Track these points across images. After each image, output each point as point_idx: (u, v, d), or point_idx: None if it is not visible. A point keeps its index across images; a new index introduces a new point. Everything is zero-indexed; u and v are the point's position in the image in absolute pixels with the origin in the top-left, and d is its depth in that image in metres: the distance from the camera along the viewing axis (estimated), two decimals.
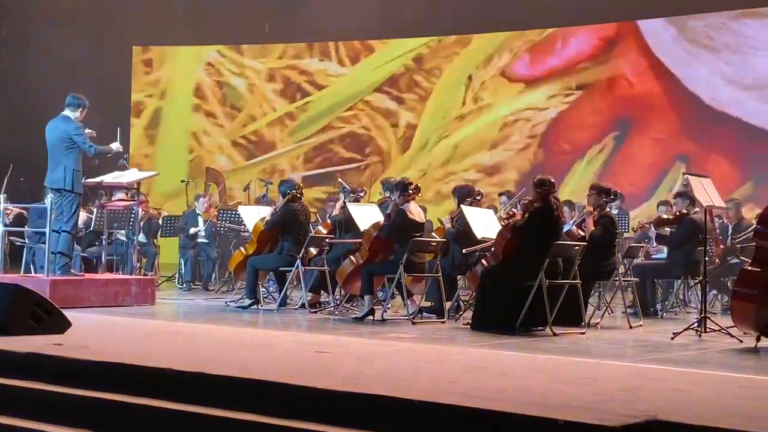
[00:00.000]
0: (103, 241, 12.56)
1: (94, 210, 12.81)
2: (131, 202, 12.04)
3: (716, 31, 16.05)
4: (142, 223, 13.15)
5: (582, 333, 8.56)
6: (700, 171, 14.08)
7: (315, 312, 10.19)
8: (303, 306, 10.30)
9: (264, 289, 11.27)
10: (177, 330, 8.37)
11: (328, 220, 11.29)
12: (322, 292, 10.67)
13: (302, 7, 18.38)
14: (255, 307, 10.40)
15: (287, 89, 19.57)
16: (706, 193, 8.82)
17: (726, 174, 15.44)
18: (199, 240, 13.72)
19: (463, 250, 9.80)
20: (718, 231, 11.69)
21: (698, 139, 16.13)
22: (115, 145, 10.37)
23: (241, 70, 19.72)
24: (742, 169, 15.26)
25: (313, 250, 10.67)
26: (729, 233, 12.06)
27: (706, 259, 9.32)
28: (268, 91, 19.62)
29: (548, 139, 17.71)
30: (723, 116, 15.84)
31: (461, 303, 10.19)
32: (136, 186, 11.57)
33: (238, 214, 12.51)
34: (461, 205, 10.06)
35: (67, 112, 10.06)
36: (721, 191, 12.02)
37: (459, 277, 10.35)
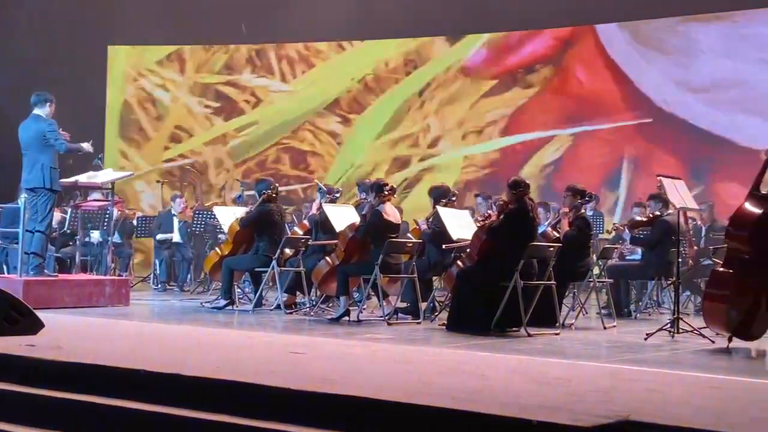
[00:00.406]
0: (78, 242, 12.50)
1: (68, 210, 12.74)
2: (106, 203, 11.99)
3: (666, 35, 16.34)
4: (115, 223, 13.09)
5: (556, 334, 8.60)
6: (646, 172, 14.30)
7: (290, 313, 10.18)
8: (278, 307, 10.29)
9: (239, 290, 11.24)
10: (151, 331, 8.35)
11: (305, 221, 11.29)
12: (298, 292, 10.67)
13: (283, 7, 18.35)
14: (230, 307, 10.38)
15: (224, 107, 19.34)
16: (680, 195, 8.89)
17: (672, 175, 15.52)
18: (175, 241, 13.67)
19: (443, 246, 9.80)
20: (691, 232, 11.78)
21: (647, 140, 16.37)
22: (86, 145, 10.32)
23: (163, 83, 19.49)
24: (688, 171, 15.48)
25: (288, 251, 10.66)
26: (702, 235, 12.15)
27: (680, 260, 9.39)
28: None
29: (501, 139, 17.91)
30: (671, 118, 16.13)
31: (437, 304, 10.21)
32: (110, 186, 11.50)
33: (214, 215, 12.48)
34: (436, 206, 10.08)
35: (36, 110, 10.00)
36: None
37: (434, 278, 10.37)
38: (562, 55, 17.26)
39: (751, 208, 7.62)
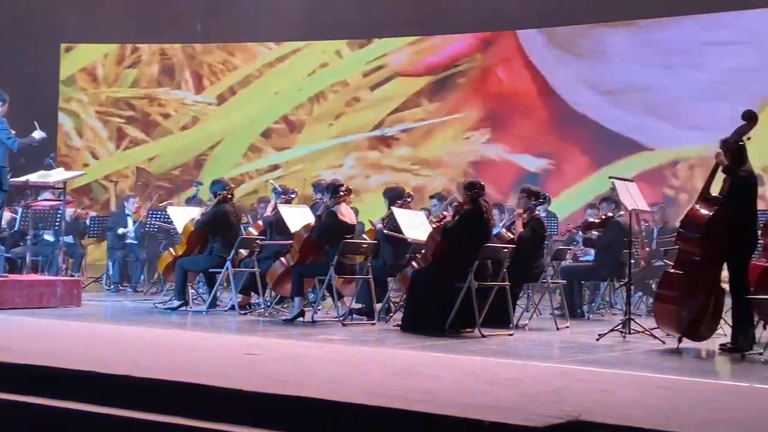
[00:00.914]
0: (28, 242, 12.35)
1: (19, 210, 12.58)
2: (57, 202, 11.85)
3: (579, 39, 16.82)
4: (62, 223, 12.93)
5: (510, 334, 8.65)
6: (558, 170, 14.71)
7: (245, 314, 10.14)
8: (233, 308, 10.24)
9: (193, 291, 11.17)
10: (103, 332, 8.26)
11: (259, 222, 11.25)
12: (252, 293, 10.63)
13: (235, 7, 18.28)
14: (184, 308, 10.31)
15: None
16: (631, 196, 8.98)
17: (582, 174, 16.19)
18: (128, 241, 13.54)
19: (408, 239, 9.77)
20: (643, 234, 11.90)
21: (560, 140, 16.82)
22: (38, 133, 10.20)
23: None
24: (598, 171, 15.98)
25: (243, 252, 10.61)
26: (654, 236, 12.28)
27: (632, 261, 9.50)
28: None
29: (416, 134, 18.17)
30: (583, 119, 16.58)
31: (392, 305, 10.22)
32: (62, 185, 11.37)
33: (168, 215, 12.39)
34: (391, 207, 10.09)
35: None
36: (579, 193, 12.71)
37: (389, 279, 10.38)
38: (483, 55, 17.67)
39: (701, 210, 7.72)
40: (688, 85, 15.83)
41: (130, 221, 13.68)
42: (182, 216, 11.17)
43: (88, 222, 14.12)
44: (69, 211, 13.28)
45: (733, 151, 7.67)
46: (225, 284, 10.89)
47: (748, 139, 7.73)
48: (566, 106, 16.74)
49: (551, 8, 16.65)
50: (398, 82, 18.39)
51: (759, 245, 8.21)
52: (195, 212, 10.98)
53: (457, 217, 8.92)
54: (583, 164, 16.41)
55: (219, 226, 10.43)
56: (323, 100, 18.88)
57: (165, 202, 14.70)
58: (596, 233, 11.06)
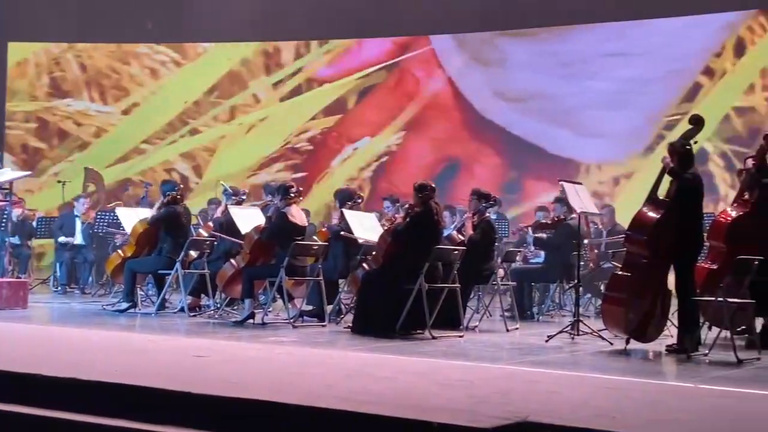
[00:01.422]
0: None
1: None
2: (4, 203, 11.68)
3: (485, 47, 17.34)
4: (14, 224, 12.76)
5: (460, 336, 8.68)
6: (468, 173, 15.08)
7: (194, 316, 10.07)
8: (182, 309, 10.16)
9: (142, 293, 11.07)
10: (50, 334, 8.16)
11: (210, 223, 11.18)
12: (202, 295, 10.56)
13: (188, 8, 18.17)
14: (132, 310, 10.21)
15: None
16: (580, 199, 9.07)
17: (491, 179, 16.58)
18: (76, 242, 13.38)
19: (359, 240, 9.76)
20: (593, 236, 12.01)
21: (470, 143, 17.32)
22: None
23: None
24: (506, 176, 16.63)
25: (193, 253, 10.54)
26: (603, 238, 12.40)
27: (581, 263, 9.58)
28: None
29: (329, 137, 18.42)
30: (491, 124, 17.08)
31: (342, 306, 10.21)
32: (8, 186, 11.21)
33: (116, 216, 12.26)
34: (342, 209, 10.09)
35: None
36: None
37: (340, 280, 10.37)
38: (401, 58, 18.03)
39: (648, 212, 7.81)
40: (586, 94, 16.39)
41: (78, 222, 13.52)
42: (131, 217, 11.06)
43: (35, 223, 13.93)
44: (16, 212, 13.09)
45: (681, 154, 7.77)
46: (174, 286, 10.82)
47: (695, 142, 7.84)
48: (475, 112, 17.27)
49: (463, 17, 17.05)
50: (312, 88, 18.68)
51: (705, 248, 8.34)
52: (145, 213, 10.87)
53: (407, 219, 8.93)
54: (497, 165, 16.95)
55: (171, 226, 10.34)
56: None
57: (114, 203, 14.54)
58: (546, 234, 11.15)
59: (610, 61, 16.30)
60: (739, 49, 15.69)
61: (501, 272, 10.34)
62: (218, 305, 10.31)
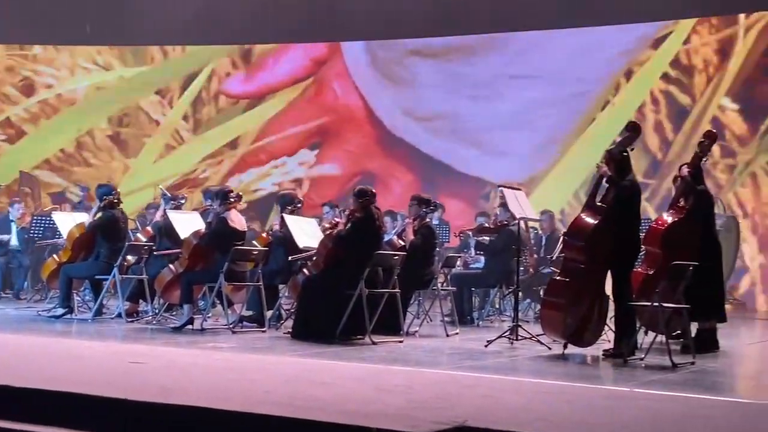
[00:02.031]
0: None
1: None
2: None
3: (396, 66, 17.62)
4: None
5: (400, 341, 8.69)
6: (383, 188, 15.40)
7: (132, 321, 9.94)
8: (119, 315, 10.03)
9: (78, 298, 10.91)
10: None
11: (148, 227, 11.06)
12: (140, 300, 10.43)
13: (127, 9, 17.99)
14: (68, 316, 10.05)
15: None
16: (520, 205, 9.14)
17: (404, 194, 16.61)
18: (11, 247, 13.14)
19: (289, 258, 9.77)
20: (532, 242, 12.11)
21: (383, 158, 17.55)
22: None
23: None
24: (421, 188, 16.63)
25: (131, 258, 10.42)
26: (543, 244, 12.51)
27: (521, 268, 9.64)
28: None
29: (246, 151, 18.41)
30: (401, 141, 17.42)
31: (282, 312, 10.17)
32: None
33: (53, 221, 12.06)
34: (282, 214, 10.05)
35: None
36: (401, 209, 13.43)
37: (281, 285, 10.33)
38: (317, 71, 18.21)
39: (586, 218, 7.90)
40: (492, 114, 16.74)
41: (14, 227, 13.29)
42: (68, 222, 10.89)
43: None
44: None
45: (618, 161, 7.87)
46: (112, 291, 10.67)
47: (632, 149, 7.95)
48: (385, 129, 17.53)
49: (376, 27, 17.25)
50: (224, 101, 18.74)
51: (641, 253, 8.46)
52: (82, 218, 10.71)
53: (348, 225, 8.93)
54: (410, 181, 17.12)
55: (109, 231, 10.21)
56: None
57: (50, 207, 14.32)
58: (488, 238, 11.21)
59: (515, 83, 16.70)
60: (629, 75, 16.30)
61: (441, 277, 10.37)
62: (156, 311, 10.19)
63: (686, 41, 15.88)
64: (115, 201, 10.32)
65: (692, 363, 7.47)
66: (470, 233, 11.77)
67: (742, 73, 15.37)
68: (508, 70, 16.74)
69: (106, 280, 10.09)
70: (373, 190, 9.09)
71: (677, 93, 15.78)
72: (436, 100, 17.18)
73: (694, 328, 8.32)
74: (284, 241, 9.90)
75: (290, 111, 18.19)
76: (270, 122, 18.27)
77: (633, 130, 7.98)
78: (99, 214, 10.33)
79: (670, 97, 15.81)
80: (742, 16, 15.53)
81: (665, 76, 15.90)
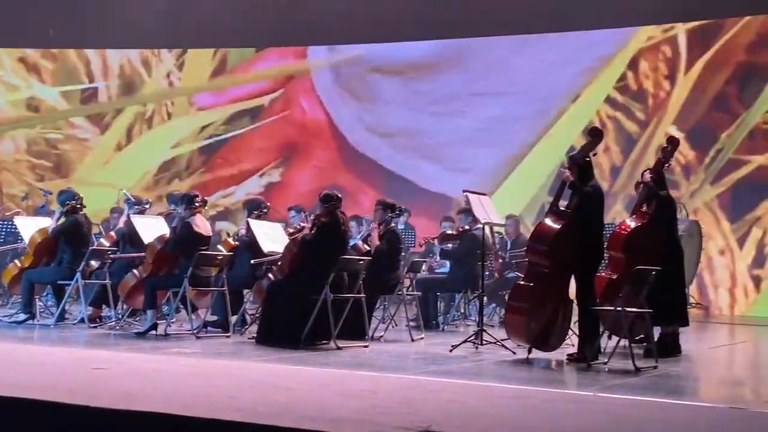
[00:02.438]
0: None
1: None
2: None
3: (358, 82, 17.79)
4: None
5: (365, 346, 8.69)
6: (354, 203, 15.54)
7: (95, 327, 9.86)
8: (82, 321, 9.95)
9: (41, 304, 10.80)
10: None
11: (112, 232, 10.98)
12: (103, 306, 10.36)
13: (92, 12, 17.86)
14: (30, 322, 9.95)
15: None
16: (484, 209, 9.18)
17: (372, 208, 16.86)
18: None
19: (252, 261, 9.74)
20: (497, 246, 12.16)
21: (350, 173, 17.68)
22: None
23: None
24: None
25: (94, 263, 10.33)
26: (508, 248, 12.57)
27: (486, 273, 9.67)
28: None
29: (214, 163, 18.42)
30: (364, 157, 17.59)
31: (247, 317, 10.13)
32: None
33: (14, 225, 11.94)
34: (248, 219, 10.02)
35: None
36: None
37: (246, 290, 10.29)
38: (286, 86, 18.32)
39: (550, 223, 7.95)
40: (455, 131, 16.90)
41: None
42: (30, 226, 10.78)
43: None
44: None
45: (581, 166, 7.93)
46: (74, 296, 10.58)
47: (594, 154, 8.01)
48: (348, 144, 17.66)
49: (336, 28, 17.30)
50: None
51: (605, 258, 8.52)
52: (45, 223, 10.61)
53: (313, 229, 8.92)
54: (372, 200, 17.06)
55: (72, 236, 10.12)
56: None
57: (12, 212, 14.17)
58: (452, 245, 11.24)
59: (477, 100, 16.86)
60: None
61: (407, 282, 10.39)
62: (120, 316, 10.12)
63: (631, 65, 16.04)
64: (78, 206, 10.24)
65: (655, 367, 7.53)
66: (434, 241, 11.80)
67: (688, 101, 15.52)
68: (470, 87, 16.92)
69: (69, 285, 10.00)
70: (339, 195, 9.09)
71: (624, 119, 15.95)
72: (399, 116, 17.36)
73: (657, 332, 8.39)
74: (250, 245, 9.87)
75: (259, 127, 18.25)
76: (239, 138, 18.29)
77: (595, 136, 8.03)
78: (62, 220, 10.25)
79: (617, 122, 15.98)
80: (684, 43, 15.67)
81: (611, 101, 16.07)
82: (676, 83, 15.63)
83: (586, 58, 16.29)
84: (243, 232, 10.20)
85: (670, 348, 8.45)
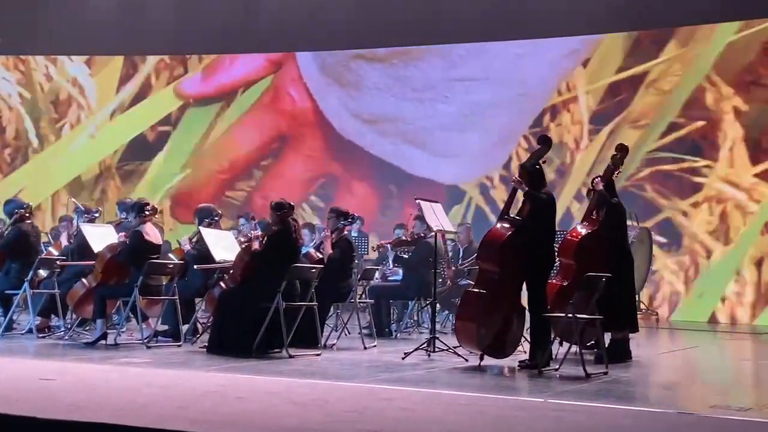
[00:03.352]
0: None
1: None
2: None
3: (342, 69, 17.73)
4: None
5: (318, 355, 8.66)
6: (347, 190, 15.69)
7: (43, 337, 9.72)
8: (30, 331, 9.81)
9: None
10: None
11: (61, 241, 10.84)
12: (52, 315, 10.22)
13: (42, 18, 17.68)
14: None
15: None
16: (436, 217, 9.20)
17: (365, 196, 17.14)
18: None
19: (195, 266, 9.66)
20: (450, 254, 12.20)
21: (340, 161, 17.60)
22: None
23: None
24: (376, 194, 17.10)
25: (42, 272, 10.19)
26: (460, 256, 12.62)
27: (439, 280, 9.68)
28: None
29: (204, 159, 18.24)
30: (351, 145, 17.47)
31: (199, 326, 10.05)
32: None
33: None
34: (199, 227, 9.95)
35: None
36: (363, 213, 13.64)
37: (197, 299, 10.21)
38: (275, 75, 18.12)
39: (500, 230, 7.99)
40: (438, 116, 16.88)
41: None
42: None
43: None
44: None
45: (532, 174, 7.99)
46: (23, 306, 10.43)
47: (544, 162, 8.07)
48: (335, 132, 17.54)
49: (321, 37, 17.39)
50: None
51: (556, 265, 8.58)
52: None
53: (265, 237, 8.88)
54: (363, 187, 17.25)
55: (20, 247, 9.98)
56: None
57: None
58: (406, 252, 11.26)
59: (459, 85, 16.81)
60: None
61: (359, 290, 10.37)
62: (69, 326, 9.99)
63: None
64: (26, 215, 10.11)
65: (605, 373, 7.59)
66: (388, 246, 11.80)
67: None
68: (453, 72, 16.83)
69: (17, 294, 9.86)
70: (291, 203, 9.06)
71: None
72: (383, 102, 17.21)
73: (607, 338, 8.46)
74: (198, 259, 9.79)
75: (249, 116, 18.04)
76: (231, 129, 18.10)
77: (545, 143, 8.10)
78: (6, 231, 10.11)
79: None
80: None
81: None
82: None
83: (569, 41, 16.27)
84: (187, 246, 10.07)
85: (620, 354, 8.52)
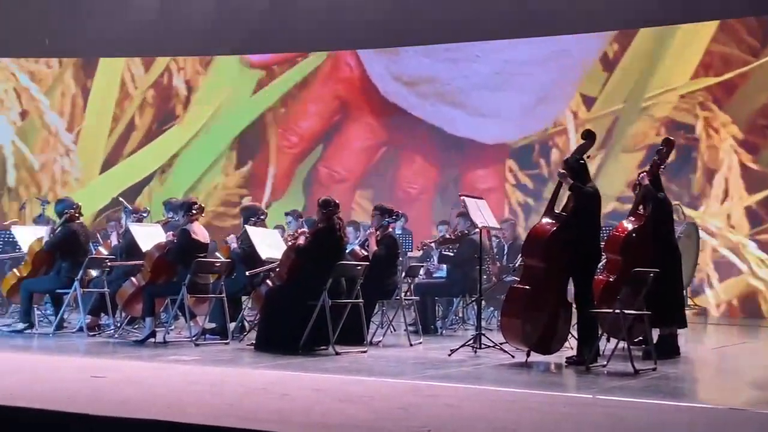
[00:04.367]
0: None
1: None
2: None
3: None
4: None
5: (364, 352, 8.69)
6: (405, 160, 16.34)
7: (94, 335, 9.86)
8: (81, 329, 9.95)
9: (39, 312, 10.80)
10: None
11: (110, 240, 10.97)
12: (102, 314, 10.36)
13: (82, 21, 17.88)
14: (29, 331, 9.95)
15: None
16: (481, 213, 9.18)
17: (420, 167, 17.22)
18: None
19: (247, 272, 9.75)
20: (495, 250, 12.16)
21: (399, 131, 17.54)
22: None
23: None
24: (434, 165, 17.19)
25: (92, 272, 10.33)
26: (505, 252, 12.58)
27: (484, 277, 9.66)
28: None
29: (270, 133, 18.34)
30: (394, 106, 17.47)
31: (246, 324, 10.13)
32: None
33: (12, 235, 11.95)
34: (245, 225, 10.03)
35: None
36: (420, 184, 13.52)
37: (244, 297, 10.29)
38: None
39: (545, 226, 7.95)
40: (472, 76, 16.87)
41: None
42: (28, 235, 10.79)
43: None
44: None
45: (575, 169, 7.94)
46: (73, 305, 10.58)
47: (588, 157, 8.02)
48: (381, 97, 17.56)
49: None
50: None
51: (602, 260, 8.53)
52: (42, 231, 10.61)
53: (310, 235, 8.93)
54: (418, 157, 17.29)
55: (69, 247, 10.12)
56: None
57: (9, 221, 14.17)
58: (451, 250, 11.24)
59: (491, 44, 16.86)
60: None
61: (404, 287, 10.39)
62: (118, 324, 10.12)
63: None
64: (76, 215, 10.25)
65: (654, 369, 7.54)
66: (433, 245, 11.80)
67: None
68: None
69: (67, 294, 10.01)
70: (336, 201, 9.10)
71: None
72: (420, 64, 17.30)
73: (655, 334, 8.40)
74: (244, 258, 9.85)
75: (309, 86, 18.15)
76: (293, 100, 18.20)
77: (588, 138, 8.05)
78: (57, 230, 10.26)
79: None
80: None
81: None
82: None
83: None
84: (234, 245, 10.12)
85: (668, 350, 8.46)
